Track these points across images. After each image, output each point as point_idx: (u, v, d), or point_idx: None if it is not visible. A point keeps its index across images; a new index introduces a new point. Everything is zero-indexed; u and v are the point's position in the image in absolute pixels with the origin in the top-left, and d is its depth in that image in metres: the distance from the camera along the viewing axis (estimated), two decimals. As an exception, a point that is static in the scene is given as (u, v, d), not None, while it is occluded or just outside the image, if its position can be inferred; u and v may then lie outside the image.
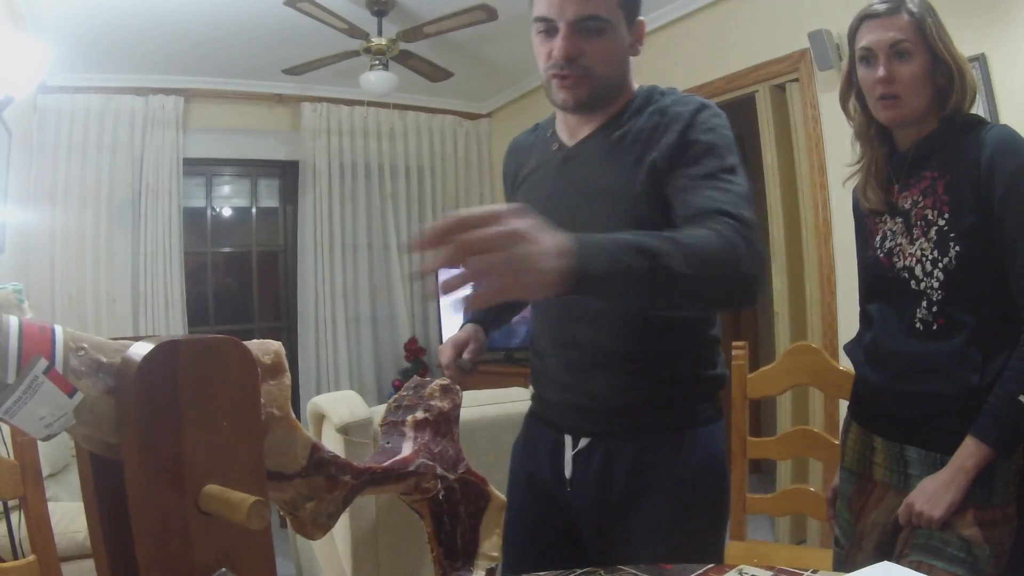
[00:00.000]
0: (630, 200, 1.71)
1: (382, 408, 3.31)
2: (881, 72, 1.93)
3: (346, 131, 7.03)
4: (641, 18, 1.78)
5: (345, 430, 2.99)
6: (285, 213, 7.18)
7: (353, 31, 5.16)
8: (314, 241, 6.83)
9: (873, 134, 2.08)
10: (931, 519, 1.80)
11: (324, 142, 6.91)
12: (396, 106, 7.16)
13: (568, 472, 1.86)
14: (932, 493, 1.82)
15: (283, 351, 0.94)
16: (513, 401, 3.53)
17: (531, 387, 2.07)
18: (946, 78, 1.93)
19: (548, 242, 1.14)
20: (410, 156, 7.36)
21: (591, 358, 1.83)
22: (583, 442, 1.85)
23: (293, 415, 0.95)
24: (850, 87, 2.11)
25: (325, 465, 1.00)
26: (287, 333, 6.96)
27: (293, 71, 5.73)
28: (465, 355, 2.05)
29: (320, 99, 6.92)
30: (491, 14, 4.93)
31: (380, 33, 5.34)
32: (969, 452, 1.79)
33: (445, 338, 2.06)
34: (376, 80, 5.52)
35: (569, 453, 1.86)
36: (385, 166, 7.24)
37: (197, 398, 0.82)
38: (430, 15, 5.22)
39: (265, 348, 0.94)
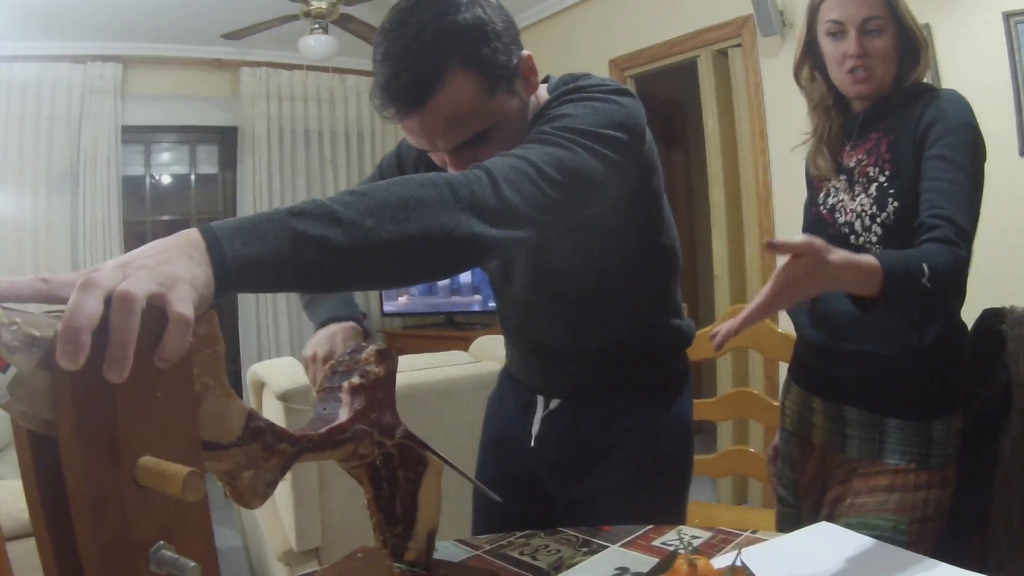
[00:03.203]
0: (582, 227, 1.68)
1: (322, 374, 3.31)
2: (854, 47, 1.93)
3: (285, 96, 6.96)
4: (525, 52, 1.56)
5: (285, 397, 2.99)
6: (224, 180, 7.11)
7: (293, -6, 5.08)
8: (253, 208, 6.72)
9: (831, 104, 2.09)
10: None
11: (263, 107, 6.84)
12: (336, 70, 7.09)
13: (535, 430, 1.88)
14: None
15: (216, 319, 0.93)
16: (453, 365, 3.54)
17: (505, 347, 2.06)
18: (911, 50, 1.96)
19: (167, 248, 0.92)
20: (350, 121, 7.31)
21: (553, 344, 1.85)
22: (554, 403, 1.87)
23: (228, 384, 0.94)
24: (807, 58, 2.11)
25: (261, 434, 0.99)
26: (227, 300, 6.86)
27: (232, 35, 5.63)
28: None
29: (259, 64, 6.85)
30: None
31: (320, -4, 5.27)
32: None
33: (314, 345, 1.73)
34: (316, 44, 5.48)
35: (540, 413, 1.88)
36: (325, 131, 7.19)
37: (131, 369, 0.79)
38: (371, -24, 5.15)
39: (198, 317, 0.93)
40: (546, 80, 1.71)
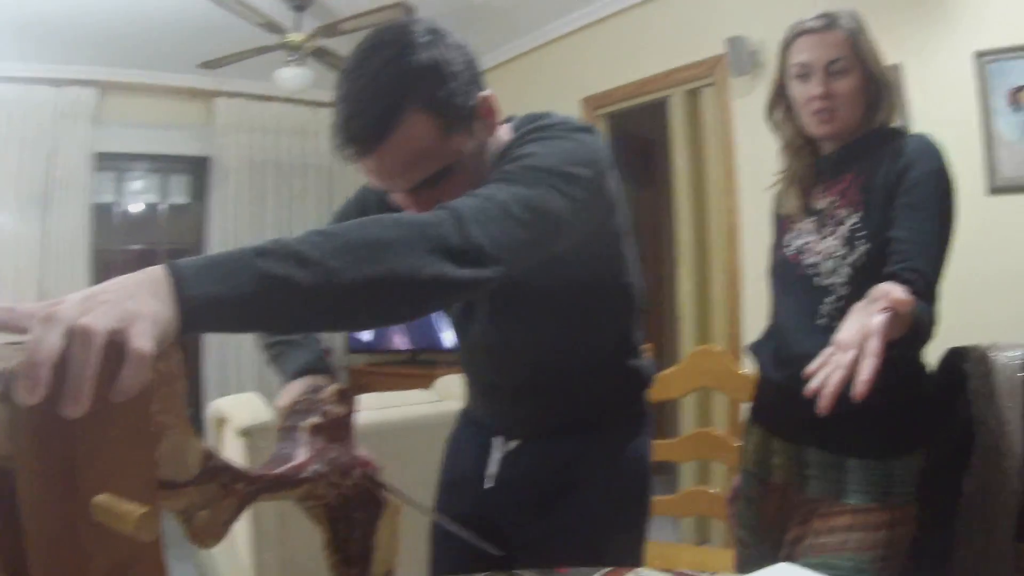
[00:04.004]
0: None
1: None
2: (818, 89, 1.96)
3: (259, 127, 6.96)
4: (484, 93, 1.54)
5: (247, 433, 2.97)
6: (195, 210, 7.06)
7: (270, 25, 5.13)
8: (223, 239, 6.73)
9: (801, 145, 2.12)
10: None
11: (236, 138, 6.84)
12: (310, 103, 7.10)
13: (494, 470, 1.87)
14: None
15: (178, 356, 0.92)
16: (416, 404, 3.53)
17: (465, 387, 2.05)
18: (876, 92, 1.99)
19: (129, 285, 0.92)
20: (322, 154, 7.27)
21: (512, 384, 1.85)
22: (512, 444, 1.86)
23: (187, 422, 0.94)
24: (779, 100, 2.14)
25: (218, 473, 0.99)
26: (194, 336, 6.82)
27: (209, 65, 5.64)
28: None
29: (234, 94, 6.85)
30: (409, 12, 4.91)
31: (297, 28, 5.31)
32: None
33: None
34: (291, 76, 5.49)
35: (497, 454, 1.87)
36: (296, 164, 7.19)
37: (90, 404, 0.78)
38: (348, 11, 5.18)
39: (160, 353, 0.93)
40: (508, 120, 1.71)
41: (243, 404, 3.15)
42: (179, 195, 7.11)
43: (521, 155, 1.43)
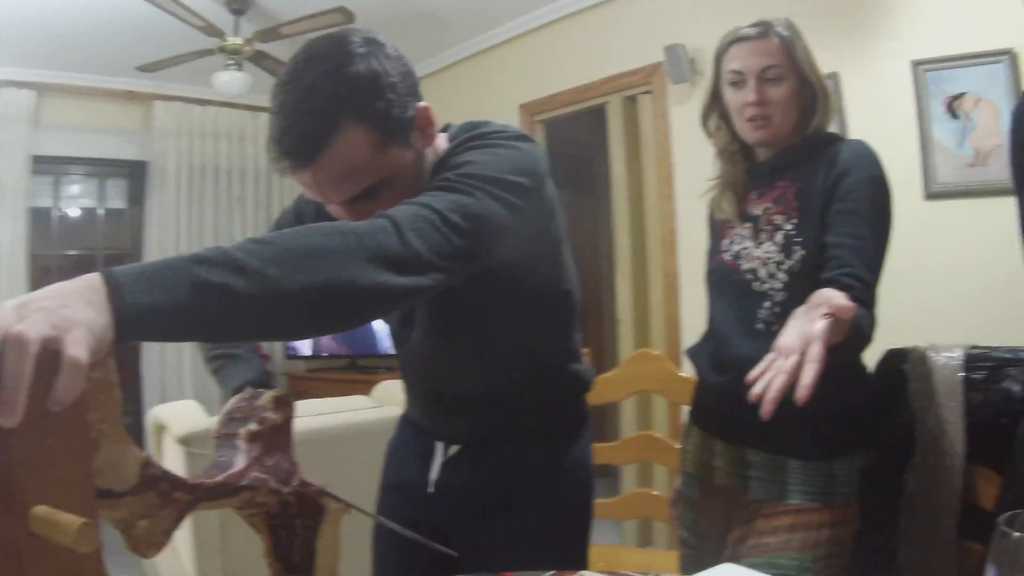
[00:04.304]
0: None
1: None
2: (752, 96, 1.98)
3: (197, 132, 6.89)
4: (422, 104, 1.54)
5: (186, 441, 2.94)
6: (132, 215, 6.98)
7: (209, 29, 5.09)
8: (160, 245, 6.66)
9: (735, 150, 2.13)
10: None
11: (174, 142, 6.76)
12: (248, 107, 7.05)
13: (434, 475, 1.86)
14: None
15: (113, 364, 0.92)
16: (356, 409, 3.52)
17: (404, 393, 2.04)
18: (811, 99, 2.01)
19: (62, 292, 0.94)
20: (259, 159, 7.22)
21: (451, 390, 1.84)
22: (453, 449, 1.85)
23: (124, 431, 0.93)
24: (713, 107, 2.15)
25: (157, 481, 0.98)
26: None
27: (147, 68, 5.60)
28: None
29: (172, 98, 6.78)
30: (348, 17, 4.90)
31: (236, 32, 5.29)
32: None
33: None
34: (229, 80, 5.46)
35: (439, 459, 1.86)
36: (234, 169, 7.14)
37: (25, 414, 0.78)
38: (287, 16, 5.18)
39: (95, 361, 0.92)
40: (446, 129, 1.72)
41: (182, 411, 3.12)
42: (117, 200, 7.01)
43: (460, 163, 1.44)
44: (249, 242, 1.08)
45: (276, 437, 1.23)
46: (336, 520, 1.30)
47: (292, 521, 1.25)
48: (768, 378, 1.39)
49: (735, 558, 1.95)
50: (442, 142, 1.66)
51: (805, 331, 1.43)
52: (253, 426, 1.22)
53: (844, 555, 1.93)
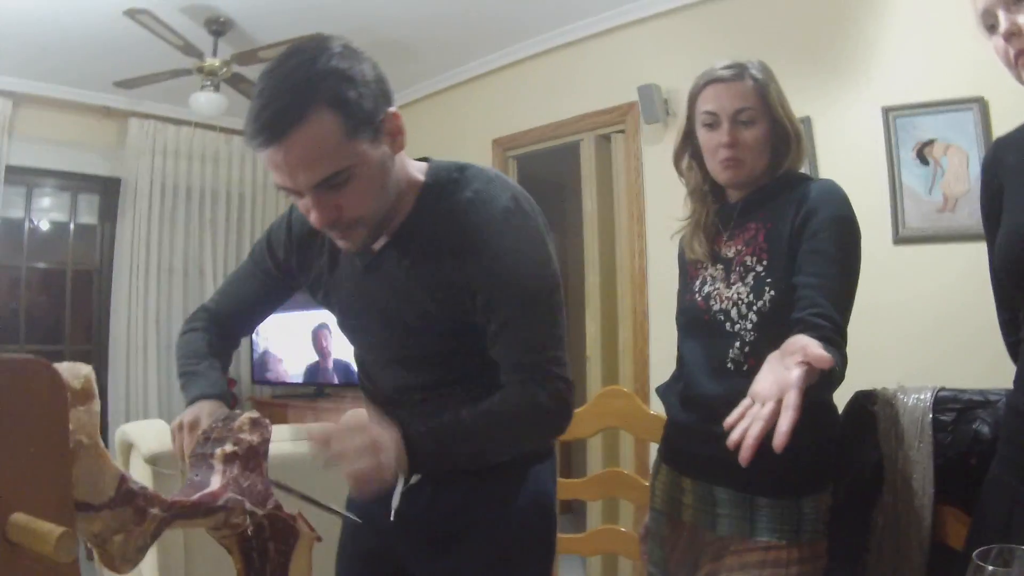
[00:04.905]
0: (445, 315, 1.73)
1: (191, 439, 3.21)
2: (725, 137, 2.00)
3: (171, 151, 6.86)
4: (392, 109, 1.62)
5: (154, 460, 2.93)
6: (103, 231, 6.92)
7: (188, 49, 5.11)
8: (130, 263, 6.63)
9: (707, 191, 2.16)
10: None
11: (148, 161, 6.73)
12: (223, 130, 7.05)
13: (396, 503, 1.86)
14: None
15: (93, 376, 0.92)
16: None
17: None
18: (783, 141, 2.04)
19: (391, 446, 1.51)
20: (232, 182, 7.24)
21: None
22: (414, 478, 1.85)
23: (102, 444, 0.93)
24: (686, 147, 2.18)
25: (133, 497, 0.98)
26: (98, 356, 6.68)
27: (125, 84, 5.59)
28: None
29: (148, 116, 6.75)
30: (325, 44, 4.89)
31: (215, 53, 5.32)
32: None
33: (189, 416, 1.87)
34: (206, 101, 5.48)
35: (399, 488, 1.86)
36: (207, 190, 7.11)
37: (5, 422, 0.78)
38: (266, 40, 5.22)
39: (75, 372, 0.91)
40: (425, 160, 1.79)
41: (150, 430, 3.10)
42: (88, 215, 6.95)
43: (515, 293, 1.68)
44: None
45: (251, 458, 1.23)
46: (309, 545, 1.29)
47: (265, 545, 1.24)
48: (744, 425, 1.41)
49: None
50: (418, 171, 1.74)
51: (781, 378, 1.45)
52: (229, 447, 1.22)
53: None
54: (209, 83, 5.43)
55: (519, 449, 1.80)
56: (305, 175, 1.51)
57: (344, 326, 1.96)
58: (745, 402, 1.45)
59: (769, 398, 1.41)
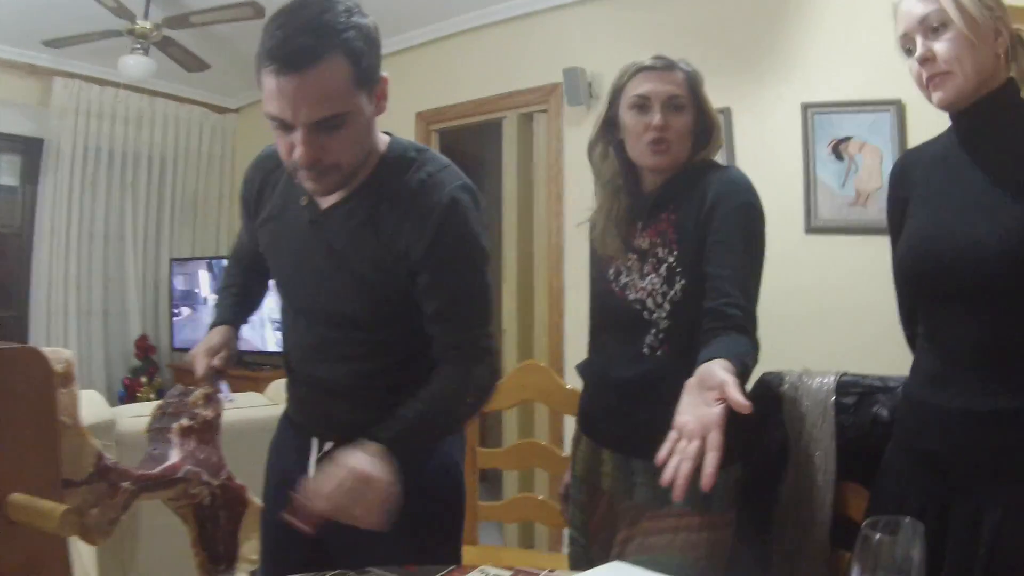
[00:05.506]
0: (378, 282, 1.81)
1: (123, 409, 3.22)
2: (657, 119, 2.05)
3: (95, 113, 6.68)
4: (384, 74, 1.77)
5: (90, 431, 2.92)
6: (24, 193, 6.65)
7: (120, 10, 5.03)
8: (51, 226, 6.46)
9: (621, 184, 2.20)
10: None
11: (72, 122, 6.53)
12: (149, 92, 6.92)
13: (311, 471, 1.89)
14: None
15: (74, 360, 0.98)
16: (250, 407, 3.54)
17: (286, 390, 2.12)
18: (706, 132, 2.13)
19: (382, 475, 1.59)
20: (155, 145, 7.09)
21: (329, 378, 1.92)
22: (328, 446, 1.89)
23: (82, 423, 0.99)
24: (604, 135, 2.22)
25: (108, 472, 1.04)
26: (16, 322, 6.46)
27: (53, 43, 5.49)
28: (216, 361, 1.95)
29: (73, 75, 6.55)
30: (258, 11, 4.92)
31: (147, 16, 5.24)
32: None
33: (196, 343, 1.99)
34: (135, 64, 5.43)
35: (314, 456, 1.91)
36: (129, 154, 6.95)
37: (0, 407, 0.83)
38: (199, 5, 5.18)
39: (57, 356, 0.97)
40: (388, 134, 1.91)
41: (83, 401, 3.08)
42: (9, 176, 6.68)
43: (453, 270, 1.81)
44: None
45: (206, 432, 1.31)
46: (256, 513, 1.37)
47: (217, 513, 1.31)
48: (675, 464, 1.50)
49: (623, 556, 2.05)
50: (381, 144, 1.87)
51: (704, 416, 1.55)
52: (185, 421, 1.29)
53: (722, 557, 2.05)
54: (139, 46, 5.36)
55: (465, 421, 2.03)
56: (308, 110, 1.61)
57: (279, 278, 2.02)
58: (672, 435, 1.54)
59: (694, 436, 1.51)
